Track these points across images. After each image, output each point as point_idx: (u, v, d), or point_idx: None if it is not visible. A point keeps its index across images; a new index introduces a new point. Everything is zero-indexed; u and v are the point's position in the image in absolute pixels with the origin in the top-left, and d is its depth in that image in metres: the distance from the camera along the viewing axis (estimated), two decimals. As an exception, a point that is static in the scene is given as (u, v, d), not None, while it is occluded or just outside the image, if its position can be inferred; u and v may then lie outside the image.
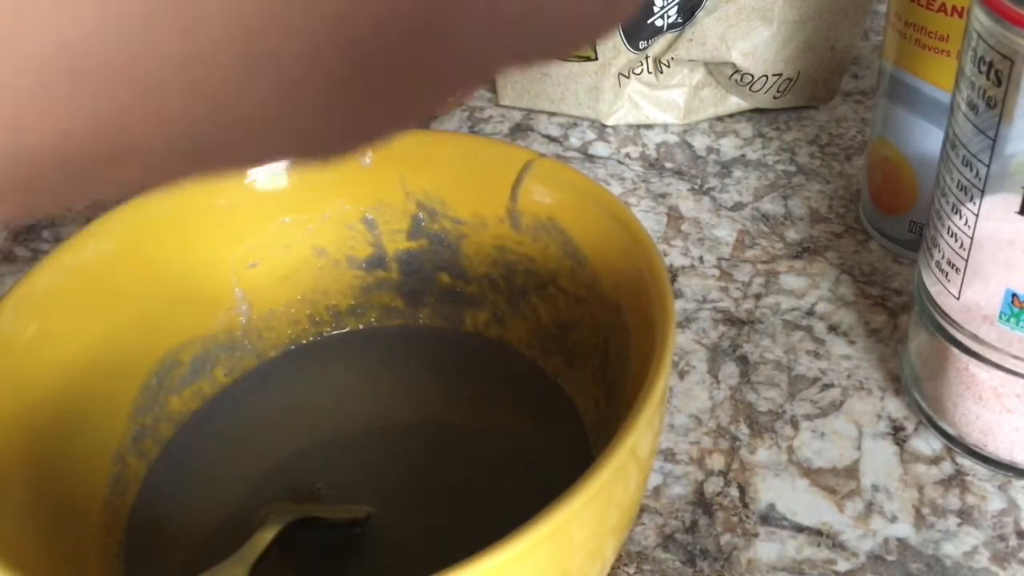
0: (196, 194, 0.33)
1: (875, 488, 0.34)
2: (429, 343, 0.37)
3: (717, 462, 0.35)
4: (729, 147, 0.50)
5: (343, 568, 0.30)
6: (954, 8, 0.35)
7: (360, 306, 0.37)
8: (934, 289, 0.32)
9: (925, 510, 0.33)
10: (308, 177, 0.35)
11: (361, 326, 0.38)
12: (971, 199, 0.29)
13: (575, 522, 0.22)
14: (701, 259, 0.43)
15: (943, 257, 0.31)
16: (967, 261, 0.30)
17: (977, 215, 0.29)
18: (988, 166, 0.28)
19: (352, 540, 0.30)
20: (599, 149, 0.51)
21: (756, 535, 0.32)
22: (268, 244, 0.35)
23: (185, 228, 0.33)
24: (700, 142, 0.51)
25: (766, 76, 0.49)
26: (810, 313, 0.40)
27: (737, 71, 0.49)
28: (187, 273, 0.34)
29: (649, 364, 0.25)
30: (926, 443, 0.35)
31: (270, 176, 0.34)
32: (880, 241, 0.43)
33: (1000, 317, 0.30)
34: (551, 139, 0.52)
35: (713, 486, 0.34)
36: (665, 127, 0.52)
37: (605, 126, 0.52)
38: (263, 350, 0.36)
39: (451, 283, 0.36)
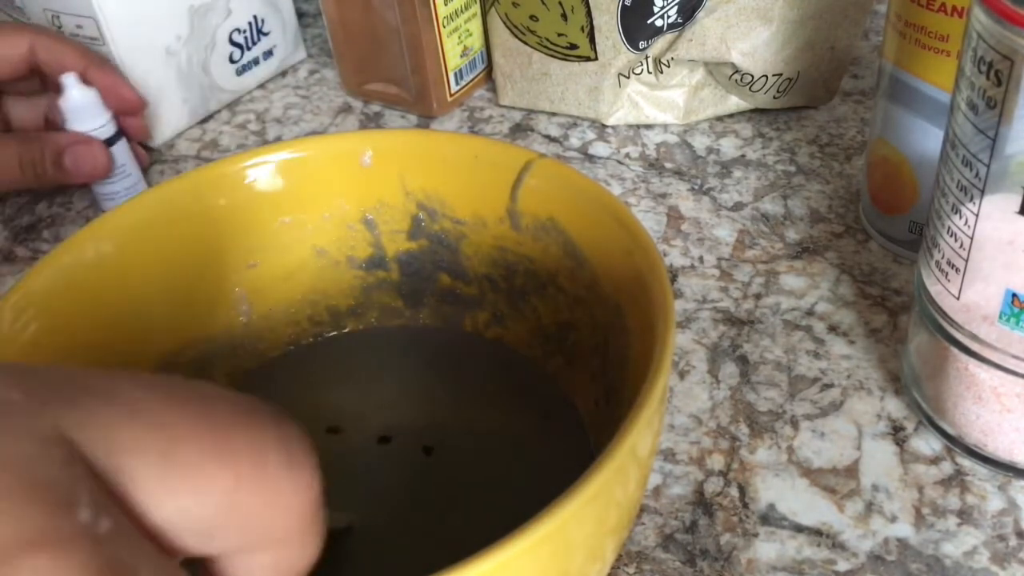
0: (196, 194, 0.33)
1: (875, 488, 0.34)
2: (429, 343, 0.37)
3: (717, 462, 0.35)
4: (729, 147, 0.50)
5: (342, 568, 0.30)
6: (954, 8, 0.35)
7: (360, 306, 0.37)
8: (934, 289, 0.32)
9: (925, 510, 0.33)
10: (308, 177, 0.35)
11: (361, 327, 0.38)
12: (971, 199, 0.29)
13: (575, 522, 0.22)
14: (701, 259, 0.43)
15: (943, 257, 0.31)
16: (967, 261, 0.30)
17: (977, 215, 0.29)
18: (988, 166, 0.28)
19: (347, 541, 0.30)
20: (599, 149, 0.51)
21: (756, 535, 0.32)
22: (268, 244, 0.35)
23: (185, 228, 0.33)
24: (700, 142, 0.51)
25: (766, 76, 0.49)
26: (810, 313, 0.40)
27: (737, 71, 0.49)
28: (187, 273, 0.34)
29: (649, 364, 0.25)
30: (926, 443, 0.35)
31: (270, 176, 0.34)
32: (880, 241, 0.43)
33: (1000, 317, 0.30)
34: (551, 139, 0.52)
35: (713, 486, 0.34)
36: (665, 127, 0.52)
37: (605, 126, 0.52)
38: (263, 350, 0.36)
39: (451, 283, 0.36)
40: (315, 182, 0.35)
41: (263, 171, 0.34)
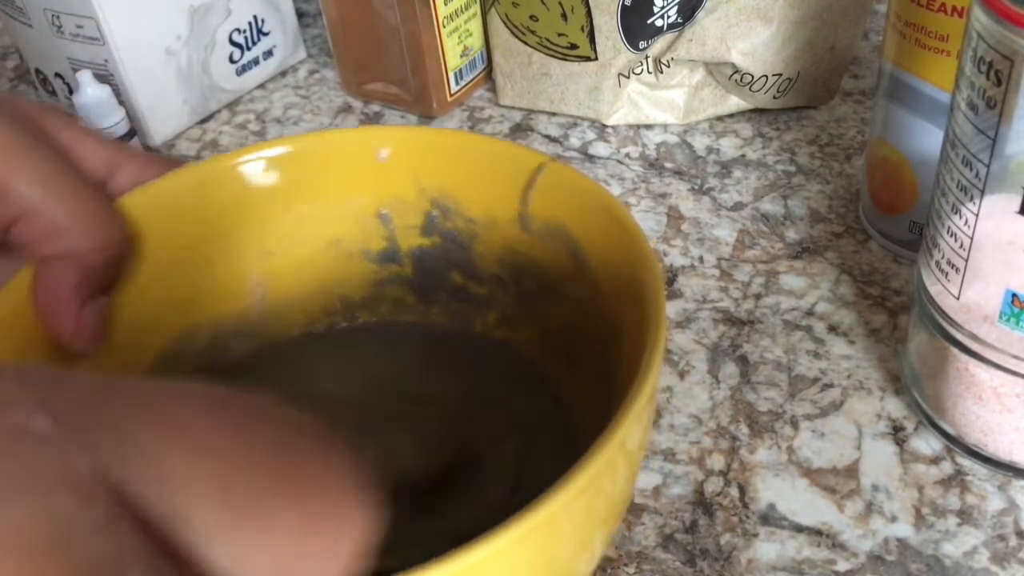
0: (218, 178, 0.33)
1: (875, 488, 0.34)
2: (436, 341, 0.37)
3: (717, 462, 0.35)
4: (729, 147, 0.50)
5: None
6: (954, 8, 0.35)
7: (372, 299, 0.37)
8: (934, 289, 0.32)
9: (925, 510, 0.33)
10: (325, 169, 0.35)
11: (374, 318, 0.38)
12: (971, 199, 0.29)
13: (564, 514, 0.22)
14: (701, 259, 0.43)
15: (943, 257, 0.31)
16: (967, 261, 0.30)
17: (977, 215, 0.29)
18: (988, 166, 0.28)
19: None
20: (599, 149, 0.51)
21: (756, 535, 0.32)
22: (284, 233, 0.35)
23: (201, 214, 0.33)
24: (700, 142, 0.51)
25: (766, 76, 0.49)
26: (810, 313, 0.40)
27: (737, 71, 0.49)
28: (203, 257, 0.34)
29: (640, 361, 0.25)
30: (926, 443, 0.35)
31: (287, 167, 0.34)
32: (880, 241, 0.43)
33: (1000, 317, 0.30)
34: (551, 139, 0.52)
35: (713, 486, 0.34)
36: (665, 127, 0.52)
37: (605, 126, 0.52)
38: (275, 338, 0.37)
39: (463, 282, 0.36)
40: (332, 174, 0.35)
41: (280, 162, 0.34)
